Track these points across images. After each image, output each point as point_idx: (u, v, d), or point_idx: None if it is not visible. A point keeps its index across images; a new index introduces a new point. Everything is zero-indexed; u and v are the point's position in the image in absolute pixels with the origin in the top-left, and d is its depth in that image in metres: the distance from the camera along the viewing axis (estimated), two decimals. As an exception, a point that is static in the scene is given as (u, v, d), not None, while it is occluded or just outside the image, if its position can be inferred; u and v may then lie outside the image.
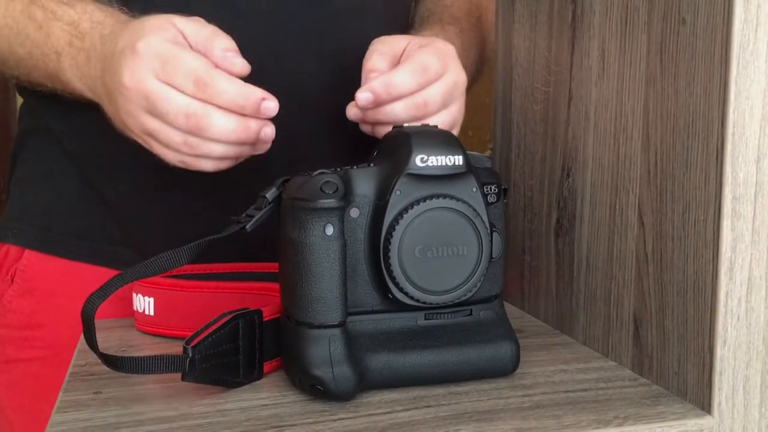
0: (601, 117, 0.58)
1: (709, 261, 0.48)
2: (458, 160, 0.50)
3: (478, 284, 0.51)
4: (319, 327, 0.49)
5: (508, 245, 0.70)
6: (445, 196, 0.49)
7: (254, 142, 0.58)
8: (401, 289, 0.49)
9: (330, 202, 0.48)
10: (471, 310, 0.53)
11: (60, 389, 0.53)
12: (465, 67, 0.68)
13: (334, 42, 0.72)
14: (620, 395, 0.51)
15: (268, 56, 0.68)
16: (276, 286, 0.53)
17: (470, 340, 0.52)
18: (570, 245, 0.62)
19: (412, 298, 0.50)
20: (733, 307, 0.48)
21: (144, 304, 0.62)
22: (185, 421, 0.48)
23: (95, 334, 0.49)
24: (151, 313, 0.62)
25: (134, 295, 0.64)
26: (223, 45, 0.57)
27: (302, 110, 0.70)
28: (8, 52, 0.66)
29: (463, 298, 0.51)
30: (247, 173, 0.61)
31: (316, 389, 0.49)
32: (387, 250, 0.49)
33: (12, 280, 0.76)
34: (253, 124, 0.57)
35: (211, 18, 0.68)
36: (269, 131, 0.58)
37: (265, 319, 0.52)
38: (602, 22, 0.57)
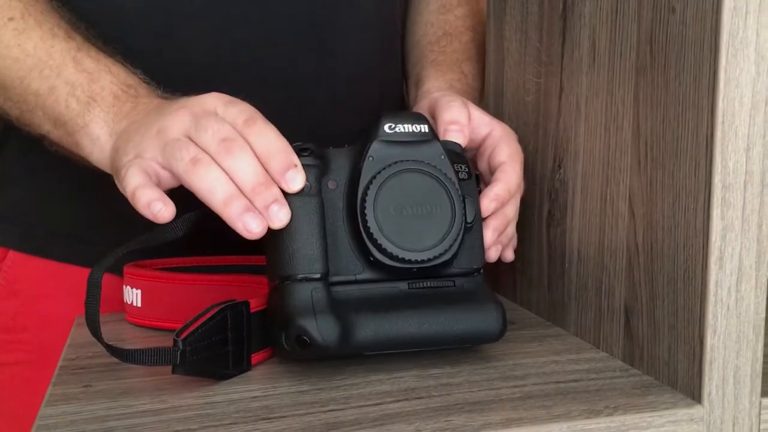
0: (592, 107, 0.57)
1: (699, 250, 0.48)
2: (424, 128, 0.54)
3: (454, 245, 0.52)
4: (302, 280, 0.50)
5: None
6: (415, 160, 0.52)
7: (261, 210, 0.50)
8: (380, 247, 0.51)
9: (306, 160, 0.51)
10: (454, 281, 0.54)
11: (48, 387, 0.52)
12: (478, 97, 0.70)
13: (330, 31, 0.71)
14: (611, 385, 0.51)
15: (264, 46, 0.67)
16: (261, 278, 0.53)
17: (455, 304, 0.53)
18: (561, 236, 0.62)
19: (391, 255, 0.51)
20: (723, 297, 0.47)
21: (132, 296, 0.63)
22: (175, 414, 0.47)
23: (99, 303, 0.49)
24: (139, 305, 0.62)
25: (124, 287, 0.64)
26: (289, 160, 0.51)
27: (305, 105, 0.70)
28: (18, 81, 0.62)
29: (442, 258, 0.52)
30: None
31: (302, 341, 0.49)
32: (363, 209, 0.51)
33: None
34: (275, 189, 0.50)
35: (206, 10, 0.68)
36: (278, 212, 0.50)
37: (252, 310, 0.52)
38: (593, 12, 0.57)
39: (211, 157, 0.51)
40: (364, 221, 0.51)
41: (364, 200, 0.51)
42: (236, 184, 0.50)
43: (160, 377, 0.52)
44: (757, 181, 0.47)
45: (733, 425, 0.49)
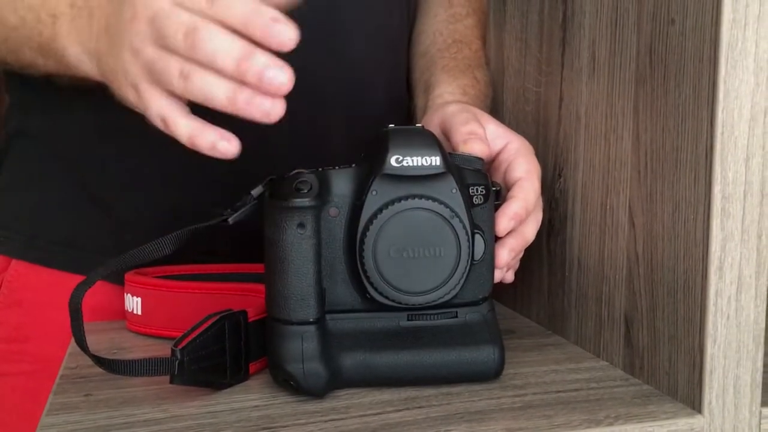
0: (592, 117, 0.58)
1: (698, 260, 0.48)
2: (435, 160, 0.50)
3: (457, 286, 0.50)
4: (293, 323, 0.49)
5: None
6: (421, 197, 0.49)
7: (258, 84, 0.46)
8: (376, 289, 0.50)
9: (303, 201, 0.49)
10: (456, 312, 0.52)
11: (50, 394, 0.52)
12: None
13: (341, 35, 0.71)
14: (611, 395, 0.51)
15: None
16: (260, 287, 0.53)
17: (452, 342, 0.52)
18: (562, 246, 0.62)
19: (387, 298, 0.50)
20: (723, 306, 0.48)
21: (133, 303, 0.63)
22: (175, 423, 0.47)
23: (83, 325, 0.49)
24: (139, 313, 0.63)
25: (125, 294, 0.64)
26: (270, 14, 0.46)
27: (315, 108, 0.69)
28: (1, 27, 0.62)
29: (441, 300, 0.50)
30: (255, 176, 0.59)
31: (289, 384, 0.50)
32: (362, 250, 0.49)
33: None
34: (259, 55, 0.45)
35: None
36: (277, 76, 0.45)
37: (250, 319, 0.52)
38: (592, 22, 0.57)
39: (187, 58, 0.46)
40: (362, 262, 0.49)
41: (363, 240, 0.49)
42: (223, 72, 0.45)
43: (160, 386, 0.52)
44: (757, 192, 0.47)
45: (734, 435, 0.49)
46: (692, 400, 0.49)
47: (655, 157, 0.51)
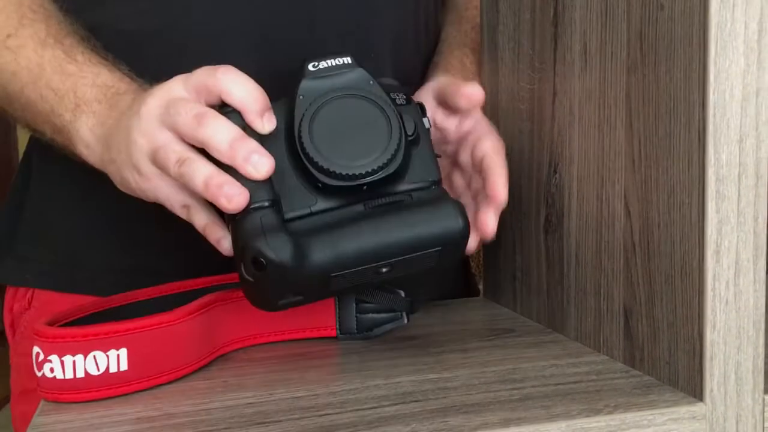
0: (585, 110, 0.57)
1: (695, 245, 0.47)
2: (347, 59, 0.55)
3: (397, 153, 0.53)
4: (249, 211, 0.51)
5: (499, 247, 0.69)
6: (344, 87, 0.54)
7: (244, 164, 0.51)
8: (320, 168, 0.52)
9: (230, 116, 0.53)
10: (411, 195, 0.54)
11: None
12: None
13: (372, 36, 0.71)
14: (611, 386, 0.50)
15: (306, 52, 0.68)
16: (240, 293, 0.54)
17: (411, 210, 0.52)
18: (559, 241, 0.62)
19: (333, 174, 0.52)
20: (721, 291, 0.47)
21: (106, 362, 0.50)
22: (168, 421, 0.47)
23: None
24: (123, 368, 0.50)
25: (81, 357, 0.49)
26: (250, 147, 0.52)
27: None
28: (19, 93, 0.65)
29: (386, 166, 0.52)
30: None
31: (258, 263, 0.49)
32: (300, 139, 0.52)
33: (29, 305, 0.74)
34: (250, 141, 0.52)
35: (250, 17, 0.68)
36: (261, 161, 0.51)
37: None
38: (583, 15, 0.57)
39: (191, 136, 0.53)
40: (303, 148, 0.52)
41: (300, 131, 0.52)
42: (217, 152, 0.52)
43: (155, 387, 0.51)
44: (752, 173, 0.47)
45: (737, 422, 0.48)
46: (693, 388, 0.48)
47: (648, 144, 0.51)
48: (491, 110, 0.71)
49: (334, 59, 0.55)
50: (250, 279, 0.50)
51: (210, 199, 0.52)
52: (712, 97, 0.46)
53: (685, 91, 0.47)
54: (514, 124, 0.67)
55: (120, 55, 0.64)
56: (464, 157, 0.65)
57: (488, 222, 0.60)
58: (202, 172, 0.52)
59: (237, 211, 0.51)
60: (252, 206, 0.51)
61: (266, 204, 0.51)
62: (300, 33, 0.69)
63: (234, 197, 0.50)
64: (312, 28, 0.69)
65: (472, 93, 0.63)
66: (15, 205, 0.76)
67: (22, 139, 0.76)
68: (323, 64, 0.54)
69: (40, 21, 0.65)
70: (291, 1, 0.69)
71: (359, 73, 0.54)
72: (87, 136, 0.60)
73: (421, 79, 0.74)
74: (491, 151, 0.63)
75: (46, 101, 0.62)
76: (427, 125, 0.57)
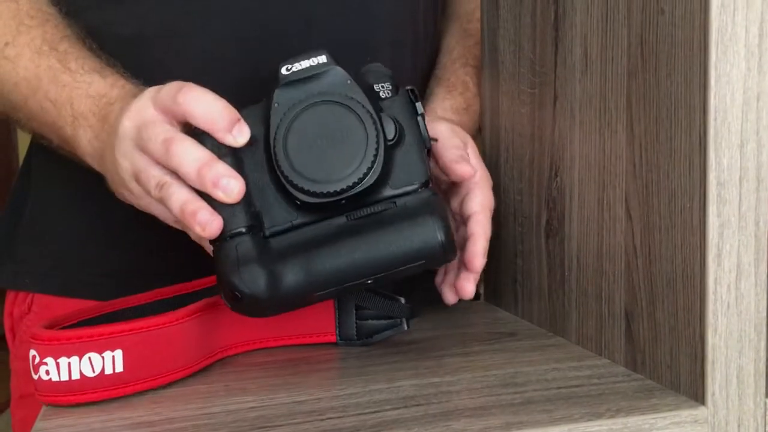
0: (586, 113, 0.57)
1: (696, 249, 0.47)
2: (321, 59, 0.53)
3: (376, 166, 0.51)
4: (227, 239, 0.50)
5: (500, 250, 0.69)
6: (319, 93, 0.52)
7: (213, 189, 0.51)
8: (296, 186, 0.51)
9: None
10: (395, 202, 0.52)
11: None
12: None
13: (370, 48, 0.71)
14: (613, 390, 0.50)
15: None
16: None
17: (390, 224, 0.51)
18: (560, 245, 0.62)
19: (309, 192, 0.51)
20: (723, 295, 0.47)
21: (100, 363, 0.49)
22: (170, 425, 0.47)
23: None
24: (119, 370, 0.50)
25: (76, 358, 0.49)
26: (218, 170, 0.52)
27: None
28: (22, 104, 0.65)
29: (362, 181, 0.51)
30: None
31: (234, 297, 0.50)
32: (275, 155, 0.51)
33: (29, 309, 0.74)
34: (218, 164, 0.51)
35: (248, 28, 0.68)
36: (230, 184, 0.51)
37: None
38: (584, 19, 0.57)
39: (163, 162, 0.52)
40: (279, 166, 0.51)
41: (274, 147, 0.51)
42: (187, 178, 0.51)
43: (157, 392, 0.51)
44: (753, 177, 0.47)
45: (739, 426, 0.48)
46: (695, 392, 0.48)
47: (649, 148, 0.51)
48: (491, 113, 0.71)
49: (309, 59, 0.53)
50: (230, 305, 0.51)
51: (186, 226, 0.52)
52: (712, 102, 0.46)
53: (686, 95, 0.48)
54: (515, 128, 0.67)
55: (117, 58, 0.64)
56: (454, 204, 0.65)
57: (465, 288, 0.61)
58: (177, 197, 0.51)
59: (212, 238, 0.50)
60: (229, 234, 0.50)
61: (243, 230, 0.50)
62: (297, 38, 0.69)
63: (207, 225, 0.50)
64: (309, 33, 0.69)
65: (465, 173, 0.62)
66: (15, 209, 0.76)
67: (23, 143, 0.76)
68: (297, 66, 0.53)
69: (37, 27, 0.65)
70: (289, 6, 0.69)
71: (335, 73, 0.52)
72: (87, 149, 0.61)
73: (420, 86, 0.74)
74: (479, 209, 0.62)
75: (47, 113, 0.62)
76: (420, 110, 0.55)
